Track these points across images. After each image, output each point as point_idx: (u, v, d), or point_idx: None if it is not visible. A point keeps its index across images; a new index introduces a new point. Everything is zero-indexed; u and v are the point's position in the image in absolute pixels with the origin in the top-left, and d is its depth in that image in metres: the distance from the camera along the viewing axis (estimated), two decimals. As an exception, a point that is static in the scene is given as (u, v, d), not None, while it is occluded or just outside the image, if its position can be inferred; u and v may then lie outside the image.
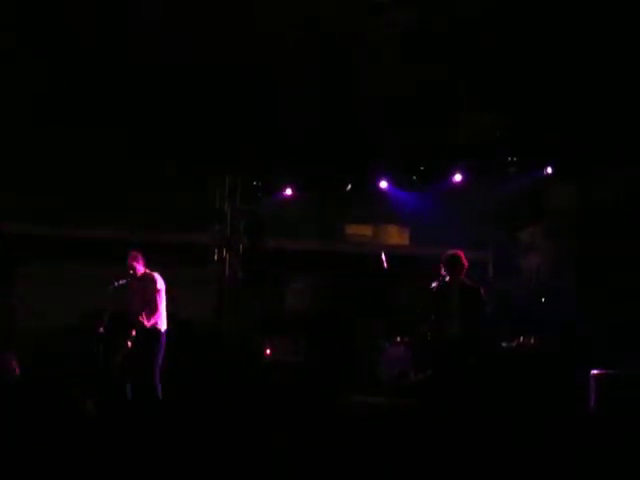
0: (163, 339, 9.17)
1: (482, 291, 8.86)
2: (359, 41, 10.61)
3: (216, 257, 12.47)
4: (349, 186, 12.79)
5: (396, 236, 14.37)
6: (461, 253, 8.83)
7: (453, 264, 8.72)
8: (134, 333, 9.05)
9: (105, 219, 12.30)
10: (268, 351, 11.72)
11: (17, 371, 7.64)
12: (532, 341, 9.50)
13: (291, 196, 12.87)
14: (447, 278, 8.73)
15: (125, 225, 12.36)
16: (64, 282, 11.85)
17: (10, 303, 11.78)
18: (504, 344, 9.71)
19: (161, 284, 9.23)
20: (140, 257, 9.30)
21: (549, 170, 11.76)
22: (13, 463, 2.82)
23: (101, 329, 8.99)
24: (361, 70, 10.97)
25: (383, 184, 12.64)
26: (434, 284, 8.85)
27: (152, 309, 9.05)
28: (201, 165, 12.20)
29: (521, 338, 9.56)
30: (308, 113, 10.74)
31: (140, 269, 9.24)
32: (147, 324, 8.94)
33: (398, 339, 10.99)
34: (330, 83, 11.04)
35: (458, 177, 12.03)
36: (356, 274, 12.95)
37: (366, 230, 14.33)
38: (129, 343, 8.99)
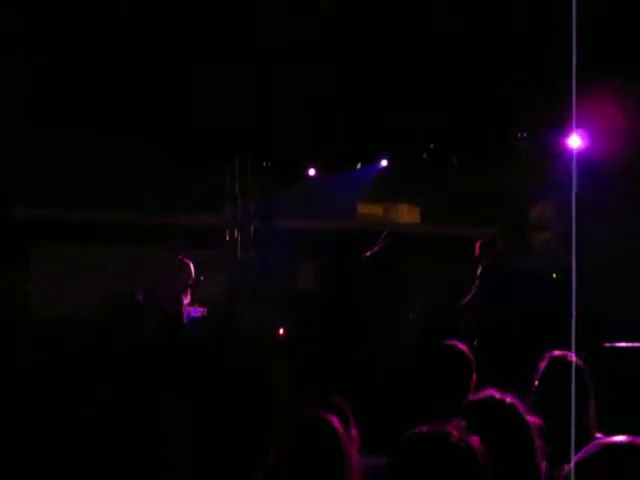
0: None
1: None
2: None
3: (228, 238, 12.58)
4: (359, 165, 12.88)
5: (407, 215, 14.41)
6: None
7: None
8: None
9: (119, 203, 12.41)
10: (281, 331, 11.81)
11: None
12: None
13: (302, 176, 12.97)
14: None
15: (140, 209, 12.49)
16: (79, 266, 11.98)
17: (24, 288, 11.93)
18: None
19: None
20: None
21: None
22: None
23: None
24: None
25: (384, 163, 12.79)
26: None
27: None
28: (213, 149, 12.23)
29: None
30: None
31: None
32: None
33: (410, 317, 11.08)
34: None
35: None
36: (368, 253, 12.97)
37: (377, 209, 14.37)
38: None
